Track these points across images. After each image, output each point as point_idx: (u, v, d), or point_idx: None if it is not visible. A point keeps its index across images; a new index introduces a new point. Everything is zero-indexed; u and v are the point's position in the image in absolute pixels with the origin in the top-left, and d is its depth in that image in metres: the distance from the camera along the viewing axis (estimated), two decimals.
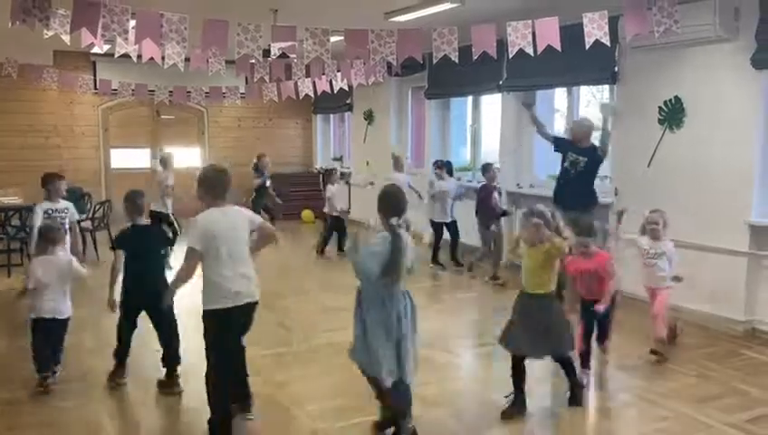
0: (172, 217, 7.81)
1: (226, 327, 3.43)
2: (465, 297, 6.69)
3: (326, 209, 8.80)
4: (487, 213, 7.22)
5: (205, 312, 3.40)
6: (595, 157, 5.98)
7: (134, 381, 4.30)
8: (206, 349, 3.45)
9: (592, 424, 3.84)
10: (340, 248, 8.49)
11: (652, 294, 4.92)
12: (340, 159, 12.95)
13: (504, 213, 7.44)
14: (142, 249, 4.13)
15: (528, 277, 3.81)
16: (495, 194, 7.30)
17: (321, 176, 9.15)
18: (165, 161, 8.23)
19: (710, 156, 5.54)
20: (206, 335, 3.43)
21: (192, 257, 3.37)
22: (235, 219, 3.50)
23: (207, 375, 3.47)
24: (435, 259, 7.85)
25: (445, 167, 8.03)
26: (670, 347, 4.86)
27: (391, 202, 3.34)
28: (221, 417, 3.45)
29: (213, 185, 3.50)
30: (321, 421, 3.75)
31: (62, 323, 4.24)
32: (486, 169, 7.41)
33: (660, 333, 4.72)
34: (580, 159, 5.99)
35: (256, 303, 3.52)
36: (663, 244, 4.85)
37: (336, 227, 8.65)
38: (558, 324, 3.83)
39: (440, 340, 5.22)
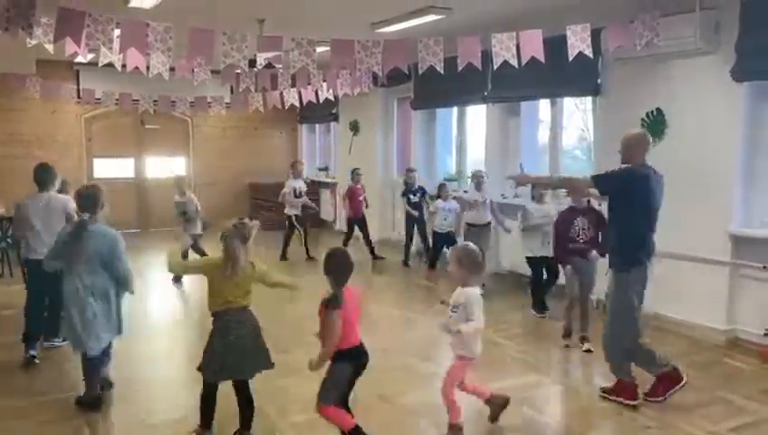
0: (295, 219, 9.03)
1: (34, 272, 4.86)
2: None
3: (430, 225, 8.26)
4: (563, 246, 5.42)
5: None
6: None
7: None
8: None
9: (576, 433, 3.84)
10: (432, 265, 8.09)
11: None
12: (325, 169, 12.95)
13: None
14: None
15: None
16: (580, 221, 5.35)
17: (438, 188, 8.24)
18: (294, 169, 9.24)
19: (692, 167, 5.60)
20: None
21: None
22: (50, 203, 4.99)
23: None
24: (537, 305, 6.30)
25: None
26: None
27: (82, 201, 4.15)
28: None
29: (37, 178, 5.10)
30: (307, 432, 3.73)
31: None
32: None
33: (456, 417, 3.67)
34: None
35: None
36: (463, 293, 3.59)
37: (434, 242, 8.12)
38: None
39: (424, 350, 5.23)
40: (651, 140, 4.15)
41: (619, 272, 4.08)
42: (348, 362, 3.35)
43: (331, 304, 3.26)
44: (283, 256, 9.02)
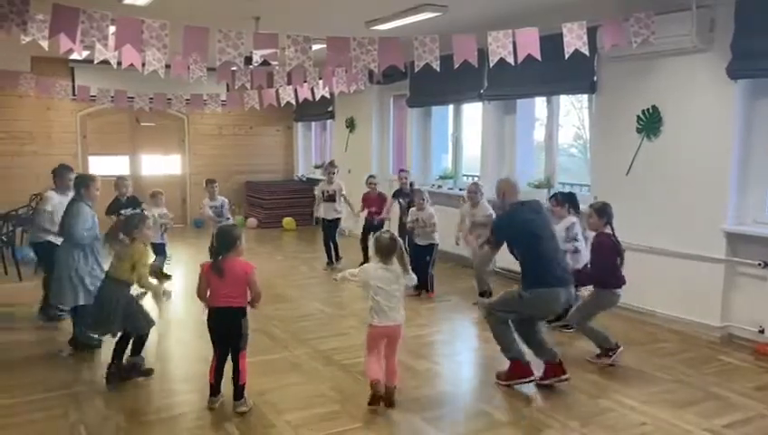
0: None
1: None
2: (446, 305, 6.69)
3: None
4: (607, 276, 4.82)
5: None
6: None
7: None
8: None
9: (571, 429, 3.86)
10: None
11: (389, 336, 4.01)
12: (321, 166, 12.93)
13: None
14: None
15: None
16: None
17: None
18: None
19: (687, 164, 5.62)
20: None
21: None
22: None
23: None
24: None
25: (567, 202, 5.71)
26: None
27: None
28: None
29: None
30: (303, 429, 3.73)
31: None
32: (604, 211, 4.85)
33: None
34: None
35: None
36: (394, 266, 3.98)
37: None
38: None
39: (418, 348, 5.24)
40: (517, 182, 4.77)
41: (523, 289, 4.38)
42: (208, 317, 3.95)
43: (203, 264, 3.96)
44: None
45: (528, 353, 4.46)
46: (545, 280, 4.29)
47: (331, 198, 8.37)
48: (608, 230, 4.85)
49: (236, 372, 3.96)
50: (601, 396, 4.29)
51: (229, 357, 4.00)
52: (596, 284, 4.86)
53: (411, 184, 7.89)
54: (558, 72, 6.32)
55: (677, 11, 5.30)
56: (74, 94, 8.76)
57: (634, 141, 6.05)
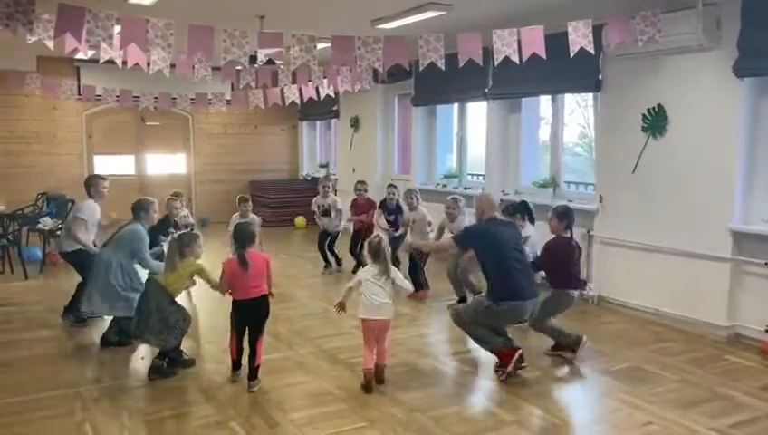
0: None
1: None
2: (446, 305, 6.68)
3: None
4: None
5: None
6: None
7: None
8: None
9: (577, 428, 3.85)
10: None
11: (379, 328, 4.31)
12: (326, 165, 12.95)
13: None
14: None
15: None
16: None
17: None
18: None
19: (693, 163, 5.60)
20: None
21: None
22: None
23: None
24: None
25: (524, 213, 5.71)
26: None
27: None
28: None
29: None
30: (308, 428, 3.73)
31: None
32: (565, 214, 4.96)
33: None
34: None
35: None
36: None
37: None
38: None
39: (425, 347, 5.24)
40: (496, 199, 5.07)
41: (492, 301, 4.55)
42: (234, 310, 4.33)
43: (225, 262, 4.34)
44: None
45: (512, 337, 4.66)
46: (515, 293, 4.49)
47: (326, 213, 8.09)
48: (567, 234, 4.92)
49: (253, 354, 4.28)
50: (607, 395, 4.28)
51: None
52: (551, 284, 4.94)
53: (397, 201, 7.45)
54: (563, 70, 6.30)
55: (684, 9, 5.28)
56: (80, 94, 8.78)
57: (640, 140, 6.03)
